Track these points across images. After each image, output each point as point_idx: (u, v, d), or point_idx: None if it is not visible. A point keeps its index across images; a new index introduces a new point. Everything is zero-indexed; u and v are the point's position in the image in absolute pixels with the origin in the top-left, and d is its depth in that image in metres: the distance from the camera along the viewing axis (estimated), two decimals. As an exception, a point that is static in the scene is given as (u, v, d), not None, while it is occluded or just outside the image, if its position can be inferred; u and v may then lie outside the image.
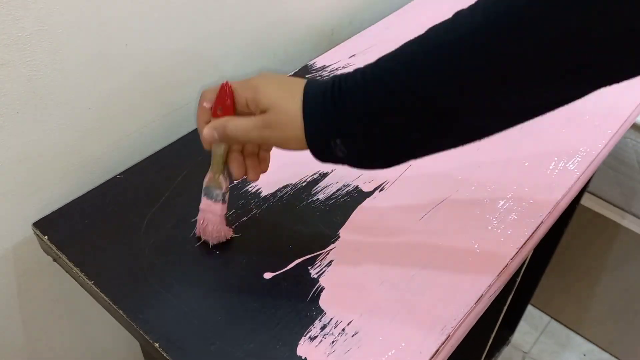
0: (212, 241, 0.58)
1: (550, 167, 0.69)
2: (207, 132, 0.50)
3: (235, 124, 0.49)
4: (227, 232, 0.59)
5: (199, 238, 0.59)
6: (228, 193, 0.57)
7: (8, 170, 0.60)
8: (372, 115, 0.45)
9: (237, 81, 0.51)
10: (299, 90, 0.47)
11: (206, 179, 0.56)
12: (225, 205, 0.57)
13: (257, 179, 0.55)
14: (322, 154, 0.48)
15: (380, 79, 0.45)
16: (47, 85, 0.59)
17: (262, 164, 0.55)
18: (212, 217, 0.57)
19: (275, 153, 0.53)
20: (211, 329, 0.52)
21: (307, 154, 0.48)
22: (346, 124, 0.46)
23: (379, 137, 0.45)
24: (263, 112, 0.48)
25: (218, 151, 0.54)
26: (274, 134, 0.48)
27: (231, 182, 0.58)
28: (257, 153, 0.55)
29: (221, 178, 0.55)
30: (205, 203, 0.57)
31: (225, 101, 0.50)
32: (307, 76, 0.82)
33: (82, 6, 0.58)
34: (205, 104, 0.51)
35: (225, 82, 0.50)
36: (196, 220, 0.59)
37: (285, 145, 0.49)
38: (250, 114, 0.49)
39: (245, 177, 0.55)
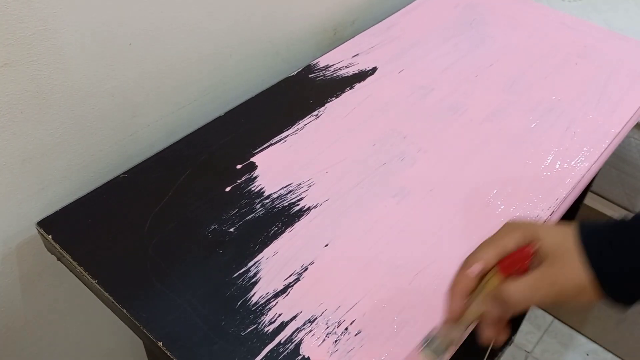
0: None
1: (554, 166, 0.69)
2: (482, 307, 0.44)
3: (514, 288, 0.42)
4: None
5: None
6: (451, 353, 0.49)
7: (12, 169, 0.61)
8: None
9: (508, 232, 0.46)
10: (571, 228, 0.43)
11: (437, 332, 0.48)
12: None
13: (503, 341, 0.47)
14: (624, 300, 0.41)
15: None
16: (50, 85, 0.60)
17: (504, 332, 0.46)
18: None
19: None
20: (214, 328, 0.52)
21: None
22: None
23: None
24: (541, 262, 0.43)
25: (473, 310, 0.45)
26: (557, 285, 0.42)
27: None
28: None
29: (459, 336, 0.47)
30: (419, 357, 0.49)
31: (523, 264, 0.43)
32: (310, 76, 0.82)
33: (85, 6, 0.59)
34: (475, 268, 0.45)
35: (529, 245, 0.44)
36: None
37: (574, 297, 0.42)
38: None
39: (491, 338, 0.46)
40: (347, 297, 0.55)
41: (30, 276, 0.68)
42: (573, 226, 0.43)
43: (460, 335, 0.47)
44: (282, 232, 0.61)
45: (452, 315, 0.46)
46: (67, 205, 0.63)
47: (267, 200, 0.64)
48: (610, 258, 0.41)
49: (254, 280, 0.56)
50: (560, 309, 1.50)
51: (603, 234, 0.43)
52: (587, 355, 1.44)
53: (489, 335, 0.45)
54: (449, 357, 0.50)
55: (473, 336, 0.56)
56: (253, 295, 0.55)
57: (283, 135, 0.73)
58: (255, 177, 0.67)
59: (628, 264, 0.41)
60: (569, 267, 0.41)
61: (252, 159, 0.69)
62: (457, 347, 0.50)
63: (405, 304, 0.54)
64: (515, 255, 0.44)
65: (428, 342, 0.48)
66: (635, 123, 0.79)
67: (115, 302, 0.54)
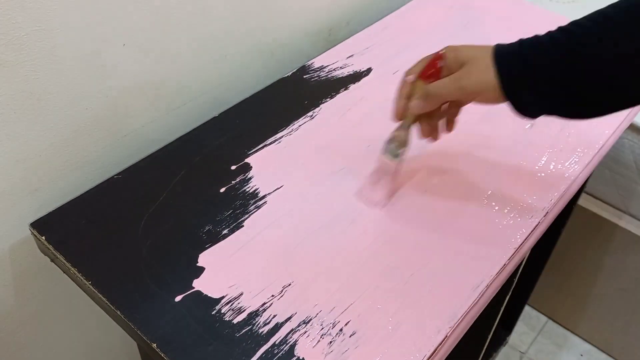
0: (376, 204, 0.63)
1: (548, 167, 0.69)
2: (414, 103, 0.57)
3: (436, 84, 0.56)
4: (395, 191, 0.64)
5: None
6: (405, 154, 0.62)
7: (5, 170, 0.60)
8: (568, 64, 0.49)
9: (442, 49, 0.57)
10: (489, 47, 0.53)
11: (391, 136, 0.61)
12: (401, 163, 0.62)
13: (438, 138, 0.62)
14: (517, 102, 0.52)
15: (574, 33, 0.49)
16: (44, 86, 0.59)
17: (449, 125, 0.62)
18: (385, 176, 0.63)
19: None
20: (208, 329, 0.52)
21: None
22: (540, 70, 0.50)
23: (575, 83, 0.49)
24: (462, 65, 0.54)
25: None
26: (470, 81, 0.53)
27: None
28: (445, 117, 0.61)
29: (407, 136, 0.61)
30: (382, 160, 0.62)
31: (435, 65, 0.57)
32: (304, 77, 0.82)
33: (79, 6, 0.58)
34: (409, 78, 0.58)
35: (439, 51, 0.57)
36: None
37: (481, 93, 0.54)
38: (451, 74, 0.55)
39: (428, 136, 0.61)
40: (342, 298, 0.55)
41: (23, 277, 0.68)
42: (493, 45, 0.54)
43: (407, 136, 0.61)
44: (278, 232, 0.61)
45: (397, 113, 0.60)
46: (60, 206, 0.63)
47: (261, 201, 0.64)
48: (514, 67, 0.51)
49: (248, 281, 0.56)
50: (555, 310, 1.50)
51: (515, 48, 0.52)
52: (581, 355, 1.45)
53: (425, 130, 0.61)
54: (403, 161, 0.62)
55: (467, 338, 0.57)
56: (248, 296, 0.55)
57: (278, 136, 0.73)
58: (250, 178, 0.67)
59: (529, 74, 0.50)
60: (479, 69, 0.53)
61: (246, 160, 0.69)
62: (408, 150, 0.62)
63: (399, 305, 0.54)
64: (428, 62, 0.57)
65: (385, 149, 0.62)
66: (628, 124, 0.79)
67: (109, 304, 0.54)
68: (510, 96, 0.52)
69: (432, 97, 0.56)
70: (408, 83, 0.58)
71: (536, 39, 0.52)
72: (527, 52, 0.51)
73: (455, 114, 0.61)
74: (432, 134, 0.61)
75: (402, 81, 0.59)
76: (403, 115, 0.59)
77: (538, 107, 0.53)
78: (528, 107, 0.53)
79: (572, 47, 0.49)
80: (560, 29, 0.51)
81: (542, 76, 0.50)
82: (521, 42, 0.52)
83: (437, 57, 0.57)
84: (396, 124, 0.61)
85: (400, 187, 0.65)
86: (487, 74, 0.52)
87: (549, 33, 0.51)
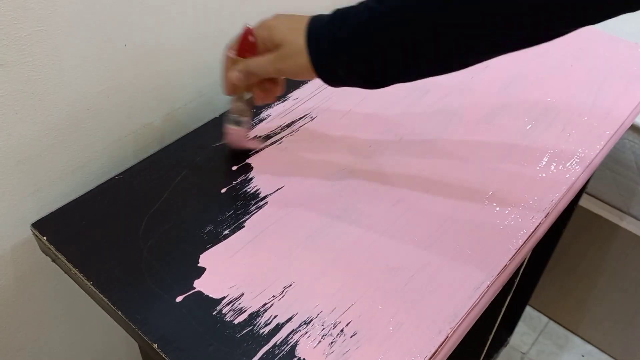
0: (237, 146, 0.69)
1: (549, 168, 0.69)
2: (232, 74, 0.60)
3: (255, 62, 0.59)
4: (253, 144, 0.70)
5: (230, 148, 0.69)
6: (249, 119, 0.68)
7: (7, 170, 0.60)
8: (368, 35, 0.52)
9: (256, 24, 0.59)
10: (305, 24, 0.55)
11: (231, 108, 0.66)
12: (248, 129, 0.69)
13: (274, 100, 0.66)
14: (329, 79, 0.56)
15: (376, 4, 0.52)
16: (45, 86, 0.59)
17: (279, 88, 0.64)
18: (237, 135, 0.68)
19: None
20: (209, 330, 0.52)
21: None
22: (345, 47, 0.53)
23: (375, 56, 0.52)
24: (277, 47, 0.56)
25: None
26: (286, 65, 0.56)
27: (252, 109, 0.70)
28: (274, 80, 0.63)
29: (243, 106, 0.65)
30: (229, 128, 0.67)
31: (247, 40, 0.59)
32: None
33: (80, 6, 0.58)
34: (229, 53, 0.61)
35: (246, 26, 0.59)
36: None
37: (297, 74, 0.57)
38: (268, 52, 0.58)
39: (264, 101, 0.65)
40: (343, 298, 0.55)
41: (24, 278, 0.68)
42: (306, 18, 0.56)
43: (244, 105, 0.65)
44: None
45: (225, 89, 0.63)
46: (62, 207, 0.63)
47: (262, 202, 0.64)
48: (324, 49, 0.54)
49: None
50: (556, 311, 1.50)
51: (326, 24, 0.54)
52: (583, 356, 1.44)
53: (259, 96, 0.64)
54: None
55: (468, 338, 0.56)
56: (248, 297, 0.55)
57: (279, 136, 0.73)
58: (251, 179, 0.67)
59: (337, 52, 0.54)
60: (293, 53, 0.55)
61: (247, 161, 0.69)
62: (251, 116, 0.70)
63: (401, 306, 0.54)
64: (241, 39, 0.60)
65: (228, 119, 0.66)
66: (629, 125, 0.79)
67: (110, 304, 0.54)
68: (323, 75, 0.56)
69: (251, 74, 0.60)
70: (230, 58, 0.61)
71: (347, 11, 0.54)
72: (337, 27, 0.53)
73: (279, 79, 0.64)
74: (265, 98, 0.65)
75: (225, 56, 0.62)
76: (232, 89, 0.63)
77: (348, 80, 0.56)
78: (340, 81, 0.57)
79: (372, 21, 0.52)
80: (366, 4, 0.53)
81: (348, 55, 0.53)
82: (333, 17, 0.54)
83: (247, 33, 0.59)
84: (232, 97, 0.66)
85: (260, 145, 0.71)
86: (300, 57, 0.55)
87: (361, 5, 0.53)
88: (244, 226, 0.61)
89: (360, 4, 0.53)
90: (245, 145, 0.70)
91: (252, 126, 0.73)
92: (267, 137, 0.72)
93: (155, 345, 0.50)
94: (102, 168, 0.70)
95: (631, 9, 0.44)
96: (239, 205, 0.64)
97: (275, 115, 0.76)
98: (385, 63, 0.53)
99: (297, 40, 0.55)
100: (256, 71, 0.59)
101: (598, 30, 0.95)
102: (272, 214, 0.63)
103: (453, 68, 0.54)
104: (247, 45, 0.60)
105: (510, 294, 0.92)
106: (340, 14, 0.54)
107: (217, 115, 0.75)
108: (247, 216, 0.62)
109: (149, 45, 0.68)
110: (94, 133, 0.67)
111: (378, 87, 0.56)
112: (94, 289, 0.55)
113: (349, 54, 0.53)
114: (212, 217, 0.62)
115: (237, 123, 0.66)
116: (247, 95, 0.64)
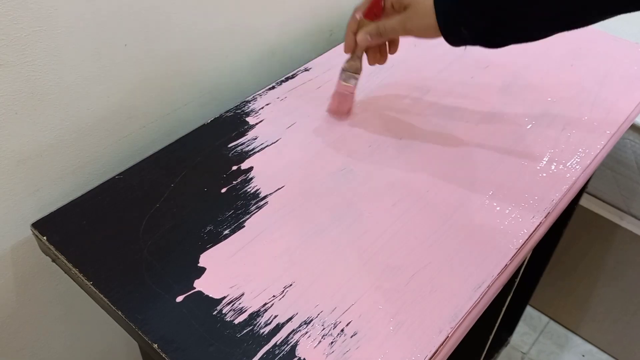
0: (343, 117, 0.75)
1: (549, 168, 0.69)
2: (361, 37, 0.67)
3: (385, 24, 0.64)
4: (353, 108, 0.76)
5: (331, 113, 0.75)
6: (360, 78, 0.73)
7: (7, 170, 0.60)
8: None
9: None
10: None
11: (345, 65, 0.71)
12: (356, 88, 0.73)
13: (385, 61, 0.71)
14: (453, 38, 0.60)
15: None
16: (45, 86, 0.59)
17: (392, 47, 0.71)
18: (347, 96, 0.74)
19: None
20: (210, 330, 0.52)
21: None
22: (471, 6, 0.57)
23: (501, 16, 0.56)
24: (405, 9, 0.62)
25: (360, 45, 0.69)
26: (414, 25, 0.61)
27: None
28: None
29: (359, 64, 0.71)
30: (341, 86, 0.73)
31: (377, 3, 0.65)
32: (306, 77, 0.82)
33: (80, 6, 0.58)
34: (357, 15, 0.67)
35: None
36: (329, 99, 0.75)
37: (424, 34, 0.62)
38: (396, 14, 0.64)
39: (377, 62, 0.71)
40: (343, 298, 0.55)
41: (24, 278, 0.68)
42: None
43: (359, 64, 0.71)
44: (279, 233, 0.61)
45: (347, 47, 0.70)
46: (62, 207, 0.63)
47: (262, 202, 0.64)
48: (450, 11, 0.58)
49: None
50: (557, 311, 1.50)
51: None
52: (583, 356, 1.44)
53: (373, 58, 0.71)
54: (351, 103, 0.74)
55: (468, 338, 0.56)
56: (249, 296, 0.55)
57: (279, 136, 0.73)
58: (251, 179, 0.67)
59: (463, 14, 0.58)
60: (422, 13, 0.60)
61: (247, 160, 0.69)
62: (361, 75, 0.72)
63: (401, 305, 0.54)
64: (372, 2, 0.66)
65: (342, 76, 0.72)
66: (630, 124, 0.79)
67: (110, 304, 0.54)
68: (448, 37, 0.60)
69: (381, 35, 0.65)
70: (356, 20, 0.67)
71: None
72: None
73: (397, 40, 0.70)
74: (379, 60, 0.70)
75: (351, 17, 0.67)
76: (352, 47, 0.69)
77: (471, 40, 0.60)
78: (463, 41, 0.60)
79: None
80: None
81: (474, 14, 0.57)
82: None
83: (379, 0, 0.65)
84: (347, 55, 0.71)
85: (354, 105, 0.76)
86: (428, 18, 0.59)
87: None
88: (244, 226, 0.61)
89: None
90: (349, 103, 0.75)
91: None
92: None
93: (156, 345, 0.50)
94: (102, 168, 0.70)
95: None
96: (239, 205, 0.64)
97: (277, 114, 0.76)
98: (507, 24, 0.56)
99: (425, 2, 0.59)
100: (385, 32, 0.64)
101: (598, 30, 0.95)
102: (272, 214, 0.63)
103: (579, 24, 0.56)
104: (376, 8, 0.65)
105: (511, 294, 0.92)
106: None
107: (217, 115, 0.75)
108: (248, 216, 0.62)
109: (148, 46, 0.68)
110: (94, 133, 0.67)
111: (499, 47, 0.59)
112: (94, 289, 0.55)
113: (474, 13, 0.57)
114: (213, 217, 0.62)
115: (351, 79, 0.72)
116: (361, 54, 0.70)
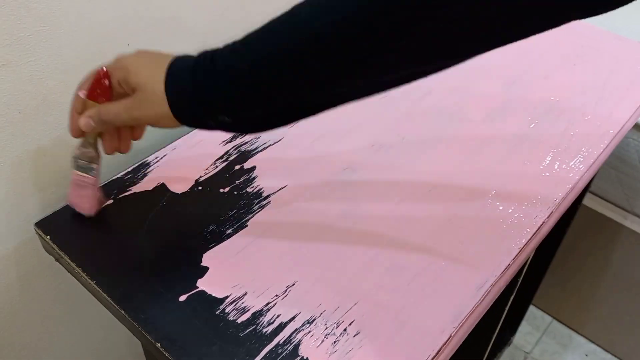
0: (87, 213, 0.60)
1: (553, 167, 0.69)
2: (84, 121, 0.52)
3: (107, 109, 0.51)
4: (102, 202, 0.62)
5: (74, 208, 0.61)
6: (99, 167, 0.58)
7: (10, 170, 0.60)
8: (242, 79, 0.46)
9: (112, 62, 0.52)
10: (165, 66, 0.48)
11: (76, 152, 0.57)
12: (97, 178, 0.59)
13: (129, 149, 0.57)
14: (197, 125, 0.50)
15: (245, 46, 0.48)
16: (49, 85, 0.60)
17: (137, 132, 0.56)
18: (86, 192, 0.59)
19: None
20: (212, 329, 0.52)
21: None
22: (214, 96, 0.47)
23: (250, 103, 0.47)
24: (133, 91, 0.50)
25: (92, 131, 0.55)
26: (144, 113, 0.50)
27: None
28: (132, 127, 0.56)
29: (93, 152, 0.57)
30: (77, 176, 0.58)
31: (101, 83, 0.52)
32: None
33: (84, 6, 0.59)
34: (80, 93, 0.53)
35: (101, 68, 0.52)
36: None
37: (157, 123, 0.50)
38: (124, 96, 0.51)
39: (117, 150, 0.56)
40: (346, 298, 0.55)
41: (28, 277, 0.68)
42: (169, 59, 0.49)
43: (93, 152, 0.56)
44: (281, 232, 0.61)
45: (72, 130, 0.54)
46: (65, 206, 0.63)
47: (265, 201, 0.64)
48: (186, 100, 0.47)
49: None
50: (560, 310, 1.50)
51: (188, 72, 0.47)
52: (586, 355, 1.44)
53: (109, 146, 0.56)
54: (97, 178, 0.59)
55: (471, 338, 0.56)
56: (252, 296, 0.55)
57: (281, 135, 0.73)
58: (254, 178, 0.67)
59: (199, 102, 0.47)
60: (153, 101, 0.48)
61: (250, 160, 0.69)
62: (101, 162, 0.58)
63: (404, 305, 0.54)
64: (93, 81, 0.52)
65: (75, 164, 0.57)
66: (633, 124, 0.79)
67: (113, 303, 0.54)
68: (189, 124, 0.50)
69: (104, 122, 0.52)
70: (80, 98, 0.53)
71: (212, 63, 0.48)
72: (199, 78, 0.47)
73: (141, 126, 0.56)
74: (118, 147, 0.56)
75: (75, 95, 0.54)
76: (80, 132, 0.54)
77: (219, 127, 0.50)
78: (210, 128, 0.50)
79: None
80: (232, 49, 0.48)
81: (212, 107, 0.48)
82: (196, 63, 0.48)
83: (102, 76, 0.52)
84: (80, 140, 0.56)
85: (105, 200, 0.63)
86: (161, 106, 0.48)
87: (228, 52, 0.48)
88: (247, 225, 0.61)
89: (226, 46, 0.48)
90: (92, 197, 0.60)
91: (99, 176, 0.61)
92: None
93: (159, 345, 0.50)
94: (105, 167, 0.70)
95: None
96: (242, 205, 0.64)
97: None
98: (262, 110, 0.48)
99: (156, 84, 0.48)
100: (109, 119, 0.51)
101: (601, 29, 0.95)
102: (275, 213, 0.63)
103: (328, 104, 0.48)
104: (99, 87, 0.52)
105: (514, 294, 0.92)
106: (207, 56, 0.48)
107: (220, 114, 0.75)
108: (250, 215, 0.62)
109: (151, 46, 0.68)
110: (97, 132, 0.67)
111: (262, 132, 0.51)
112: (98, 288, 0.55)
113: (221, 103, 0.47)
114: (215, 217, 0.62)
115: (86, 170, 0.58)
116: (98, 140, 0.56)
